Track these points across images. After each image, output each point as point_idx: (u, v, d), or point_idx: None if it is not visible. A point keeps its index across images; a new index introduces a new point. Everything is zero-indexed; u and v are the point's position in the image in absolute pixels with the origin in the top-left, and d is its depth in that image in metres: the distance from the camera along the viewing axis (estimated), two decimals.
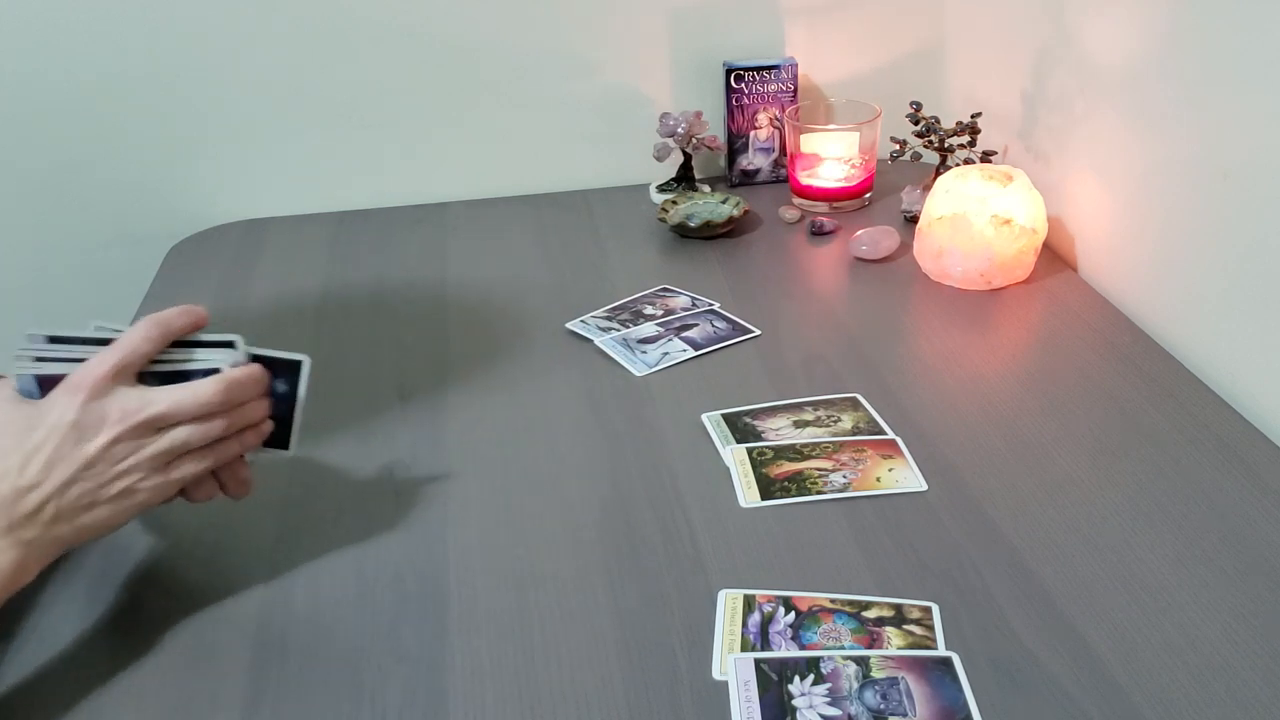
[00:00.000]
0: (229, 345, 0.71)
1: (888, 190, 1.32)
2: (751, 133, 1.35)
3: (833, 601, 0.72)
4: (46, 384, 0.68)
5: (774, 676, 0.66)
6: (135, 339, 0.68)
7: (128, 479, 0.67)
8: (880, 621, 0.70)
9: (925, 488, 0.82)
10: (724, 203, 1.27)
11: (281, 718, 0.66)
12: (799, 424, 0.90)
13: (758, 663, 0.67)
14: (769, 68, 1.31)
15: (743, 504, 0.81)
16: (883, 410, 0.91)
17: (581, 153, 1.39)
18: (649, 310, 1.09)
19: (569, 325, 1.06)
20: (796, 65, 1.32)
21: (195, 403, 0.68)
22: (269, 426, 0.74)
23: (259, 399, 0.72)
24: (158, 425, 0.67)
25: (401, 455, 0.89)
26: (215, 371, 0.70)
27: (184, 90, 1.28)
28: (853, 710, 0.63)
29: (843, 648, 0.68)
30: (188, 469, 0.69)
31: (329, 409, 0.95)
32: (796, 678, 0.66)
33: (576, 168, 1.39)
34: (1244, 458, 0.83)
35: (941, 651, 0.67)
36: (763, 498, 0.82)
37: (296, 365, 0.74)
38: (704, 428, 0.90)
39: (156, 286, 1.21)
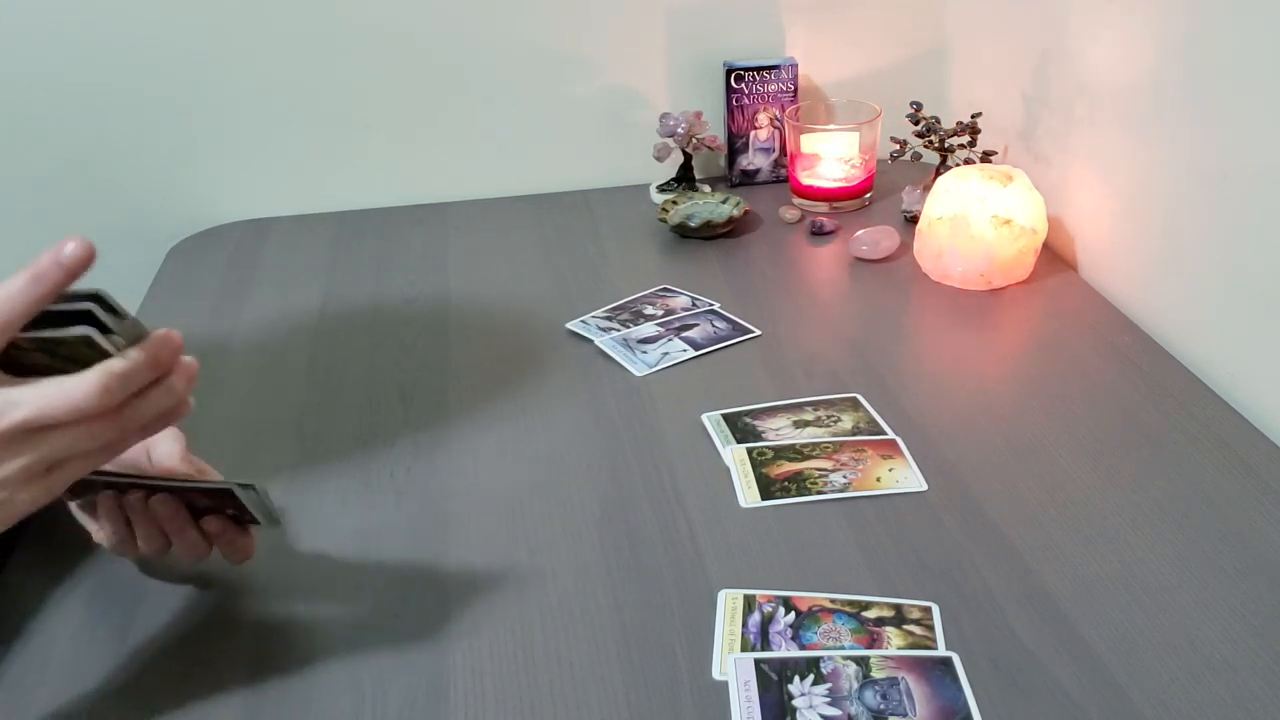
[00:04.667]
0: (90, 307, 0.55)
1: (888, 190, 1.31)
2: (751, 133, 1.35)
3: (833, 601, 0.71)
4: None
5: (774, 676, 0.66)
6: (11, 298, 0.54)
7: None
8: (880, 621, 0.70)
9: (925, 488, 0.82)
10: (724, 203, 1.27)
11: (282, 717, 0.66)
12: (799, 424, 0.90)
13: (758, 663, 0.67)
14: (769, 68, 1.31)
15: (743, 504, 0.81)
16: (883, 410, 0.91)
17: (581, 153, 1.39)
18: (649, 310, 1.09)
19: (569, 325, 1.06)
20: (796, 65, 1.32)
21: (68, 406, 0.55)
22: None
23: (156, 388, 0.59)
24: (28, 430, 0.55)
25: (402, 454, 0.89)
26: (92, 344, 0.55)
27: (185, 90, 1.28)
28: (853, 710, 0.63)
29: (843, 648, 0.68)
30: (75, 470, 0.58)
31: (330, 408, 0.96)
32: (796, 678, 0.66)
33: (576, 168, 1.39)
34: (1244, 458, 0.83)
35: (941, 652, 0.67)
36: (763, 498, 0.82)
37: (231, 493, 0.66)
38: (704, 428, 0.90)
39: (156, 287, 1.21)
